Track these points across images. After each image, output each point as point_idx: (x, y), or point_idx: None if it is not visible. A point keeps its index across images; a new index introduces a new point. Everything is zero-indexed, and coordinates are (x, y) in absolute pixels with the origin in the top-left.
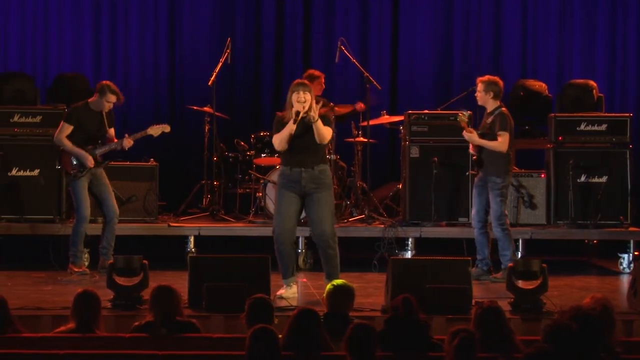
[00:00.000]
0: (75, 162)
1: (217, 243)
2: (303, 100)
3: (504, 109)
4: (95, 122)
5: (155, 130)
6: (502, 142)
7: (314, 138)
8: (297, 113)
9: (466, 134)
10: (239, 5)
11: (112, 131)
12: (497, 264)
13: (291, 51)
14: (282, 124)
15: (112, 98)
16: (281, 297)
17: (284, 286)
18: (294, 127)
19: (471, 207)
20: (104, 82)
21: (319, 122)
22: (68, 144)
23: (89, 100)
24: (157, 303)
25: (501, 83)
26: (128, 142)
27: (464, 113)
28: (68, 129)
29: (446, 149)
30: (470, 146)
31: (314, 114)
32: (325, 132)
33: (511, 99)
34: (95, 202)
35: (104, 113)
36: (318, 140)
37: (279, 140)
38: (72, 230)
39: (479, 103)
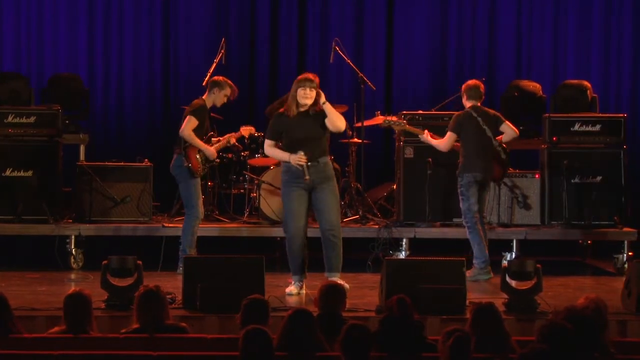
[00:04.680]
0: (200, 159)
1: (211, 243)
2: (309, 96)
3: (467, 110)
4: (208, 120)
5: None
6: (441, 141)
7: (318, 130)
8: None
9: (422, 136)
10: (233, 5)
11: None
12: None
13: (285, 51)
14: (281, 125)
15: (229, 91)
16: (291, 294)
17: (293, 283)
18: (288, 159)
19: None
20: (219, 77)
21: (328, 105)
22: (196, 139)
23: (204, 97)
24: (144, 308)
25: (473, 84)
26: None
27: (391, 119)
28: (195, 123)
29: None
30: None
31: (321, 98)
32: (339, 116)
33: (505, 100)
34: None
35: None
36: (332, 127)
37: (272, 155)
38: (185, 229)
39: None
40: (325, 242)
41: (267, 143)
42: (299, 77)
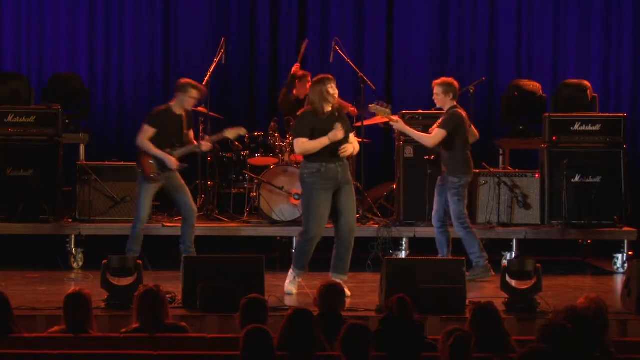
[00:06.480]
0: (155, 165)
1: (211, 243)
2: (336, 92)
3: (458, 109)
4: (175, 125)
5: (231, 133)
6: (430, 137)
7: (346, 130)
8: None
9: (394, 124)
10: (233, 4)
11: (191, 133)
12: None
13: (286, 51)
14: (314, 123)
15: (195, 93)
16: (290, 293)
17: (293, 277)
18: (327, 140)
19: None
20: (183, 79)
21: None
22: (151, 147)
23: (171, 103)
24: (144, 308)
25: (456, 84)
26: (207, 145)
27: (377, 105)
28: (150, 131)
29: None
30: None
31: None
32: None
33: (506, 99)
34: (172, 202)
35: (184, 115)
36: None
37: (309, 149)
38: (131, 231)
39: (438, 105)
40: (342, 243)
41: (301, 140)
42: (320, 77)
